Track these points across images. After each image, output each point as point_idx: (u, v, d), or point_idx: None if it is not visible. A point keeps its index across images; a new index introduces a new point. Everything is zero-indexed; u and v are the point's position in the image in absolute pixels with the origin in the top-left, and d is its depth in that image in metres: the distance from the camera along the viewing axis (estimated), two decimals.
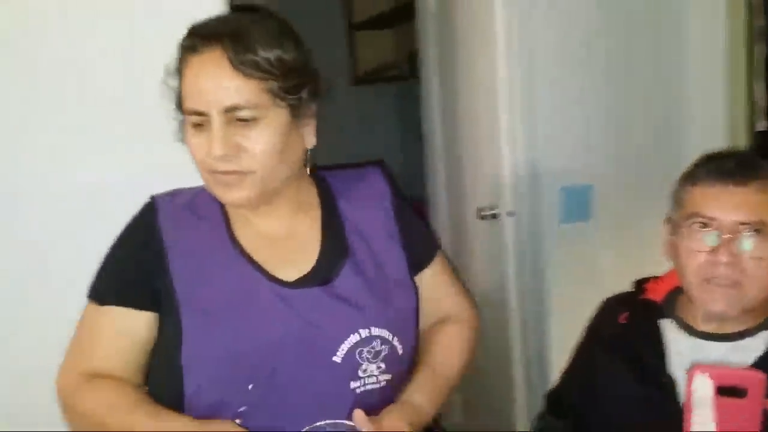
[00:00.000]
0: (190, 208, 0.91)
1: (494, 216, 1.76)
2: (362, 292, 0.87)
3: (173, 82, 0.87)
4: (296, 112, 0.85)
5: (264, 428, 0.83)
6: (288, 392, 0.83)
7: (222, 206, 0.90)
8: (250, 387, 0.83)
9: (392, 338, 0.87)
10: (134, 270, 0.88)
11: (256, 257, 0.87)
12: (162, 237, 0.88)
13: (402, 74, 3.22)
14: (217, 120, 0.80)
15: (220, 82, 0.80)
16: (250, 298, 0.85)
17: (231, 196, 0.84)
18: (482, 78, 1.77)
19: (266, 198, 0.86)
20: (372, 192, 0.96)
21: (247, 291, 0.85)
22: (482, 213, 1.78)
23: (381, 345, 0.86)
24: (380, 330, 0.86)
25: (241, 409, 0.83)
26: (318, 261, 0.89)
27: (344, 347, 0.84)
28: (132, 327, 0.87)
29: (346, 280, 0.88)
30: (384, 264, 0.91)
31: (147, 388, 0.89)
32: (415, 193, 3.36)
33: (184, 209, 0.91)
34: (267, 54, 0.81)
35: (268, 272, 0.86)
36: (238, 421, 0.83)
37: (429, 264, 0.98)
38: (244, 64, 0.80)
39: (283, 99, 0.82)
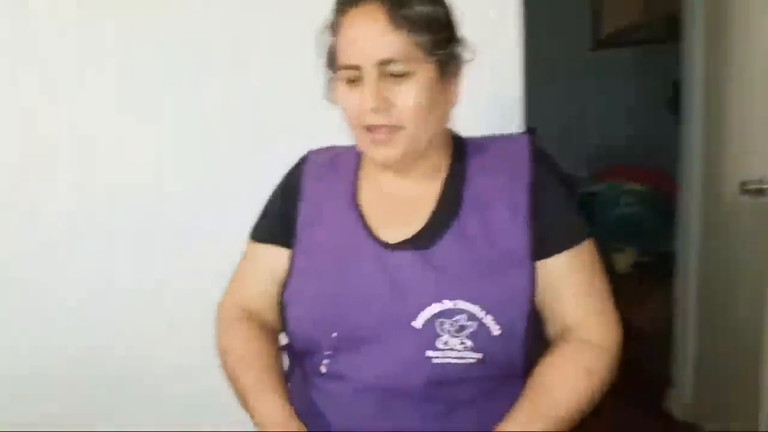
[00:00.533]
0: (332, 161, 0.99)
1: (761, 191, 1.63)
2: (459, 263, 0.86)
3: (327, 38, 0.90)
4: (444, 69, 0.88)
5: (342, 378, 0.88)
6: (367, 348, 0.87)
7: (357, 163, 0.98)
8: (334, 335, 0.87)
9: (485, 316, 0.83)
10: (278, 211, 0.99)
11: (368, 215, 0.93)
12: (301, 184, 0.98)
13: (653, 37, 3.03)
14: (370, 73, 0.84)
15: (376, 35, 0.83)
16: (350, 252, 0.90)
17: (381, 153, 0.88)
18: (760, 43, 1.62)
19: (413, 157, 0.90)
20: (508, 162, 0.92)
21: (349, 245, 0.91)
22: (747, 186, 1.65)
23: (467, 320, 0.83)
24: (468, 305, 0.83)
25: (327, 353, 0.89)
26: (424, 226, 0.90)
27: (424, 314, 0.84)
28: (274, 263, 0.97)
29: (444, 248, 0.87)
30: (498, 237, 0.87)
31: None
32: (651, 164, 3.21)
33: (326, 162, 1.00)
34: (421, 9, 0.84)
35: (372, 231, 0.91)
36: (325, 361, 0.90)
37: (559, 253, 0.88)
38: (400, 18, 0.83)
39: (432, 54, 0.85)
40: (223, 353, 0.96)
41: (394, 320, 0.86)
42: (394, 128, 0.86)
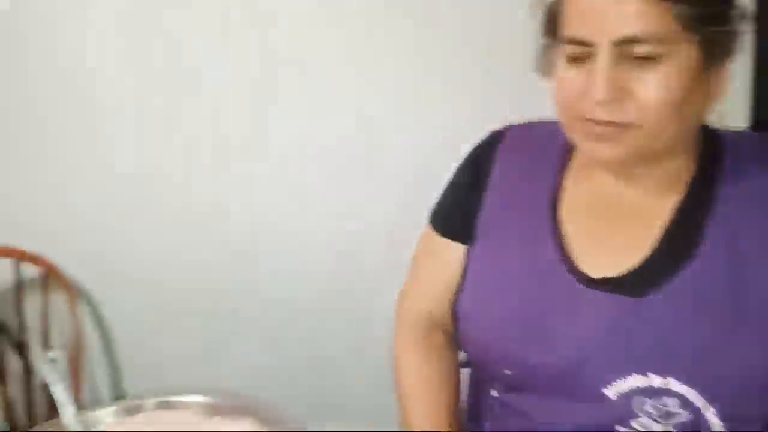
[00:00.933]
0: (533, 146, 0.79)
1: None
2: (684, 322, 0.64)
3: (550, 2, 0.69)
4: (710, 51, 0.62)
5: (512, 409, 0.76)
6: (543, 399, 0.72)
7: (565, 153, 0.76)
8: (507, 372, 0.74)
9: (706, 408, 0.62)
10: (459, 197, 0.82)
11: (568, 231, 0.72)
12: (491, 169, 0.79)
13: None
14: (605, 54, 0.61)
15: (619, 3, 0.60)
16: (538, 278, 0.72)
17: (602, 151, 0.65)
18: None
19: (644, 160, 0.66)
20: None
21: (538, 268, 0.72)
22: None
23: (679, 408, 0.63)
24: (685, 387, 0.63)
25: (495, 388, 0.77)
26: (645, 261, 0.67)
27: (619, 384, 0.66)
28: (455, 261, 0.80)
29: (668, 297, 0.65)
30: (751, 288, 0.63)
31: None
32: None
33: (526, 145, 0.79)
34: None
35: (570, 255, 0.71)
36: (494, 393, 0.77)
37: None
38: None
39: (696, 31, 0.61)
40: (396, 368, 0.85)
41: (581, 378, 0.68)
42: (626, 126, 0.63)
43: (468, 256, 0.79)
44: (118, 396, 1.64)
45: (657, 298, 0.65)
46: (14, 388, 1.52)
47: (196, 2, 1.41)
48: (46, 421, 0.91)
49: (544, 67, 0.71)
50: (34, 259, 1.47)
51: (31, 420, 1.51)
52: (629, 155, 0.65)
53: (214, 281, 1.55)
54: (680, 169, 0.69)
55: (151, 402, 0.92)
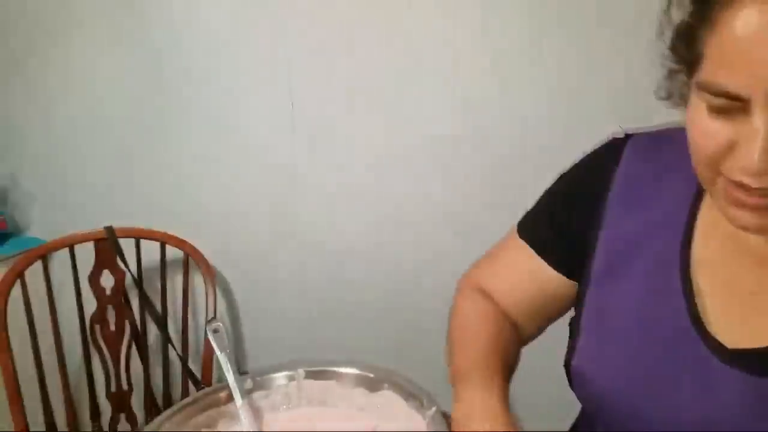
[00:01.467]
0: (663, 166, 0.67)
1: None
2: None
3: (689, 18, 0.56)
4: None
5: None
6: None
7: (698, 185, 0.63)
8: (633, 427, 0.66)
9: None
10: (558, 217, 0.75)
11: (704, 285, 0.62)
12: (610, 187, 0.69)
13: None
14: (763, 115, 0.50)
15: None
16: (664, 338, 0.63)
17: (745, 220, 0.55)
18: None
19: None
20: None
21: (664, 326, 0.63)
22: None
23: None
24: None
25: None
26: None
27: None
28: (540, 276, 0.75)
29: None
30: None
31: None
32: None
33: (653, 160, 0.68)
34: None
35: (703, 321, 0.61)
36: None
37: None
38: None
39: None
40: (452, 315, 0.80)
41: None
42: None
43: (579, 294, 0.71)
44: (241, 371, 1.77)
45: None
46: (154, 360, 1.67)
47: None
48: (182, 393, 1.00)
49: (672, 95, 0.60)
50: (177, 242, 1.62)
51: (166, 390, 1.67)
52: None
53: (340, 269, 1.65)
54: None
55: (301, 371, 1.01)
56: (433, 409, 0.88)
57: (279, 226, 1.68)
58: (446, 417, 0.87)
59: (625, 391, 0.65)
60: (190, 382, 1.60)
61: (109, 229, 1.60)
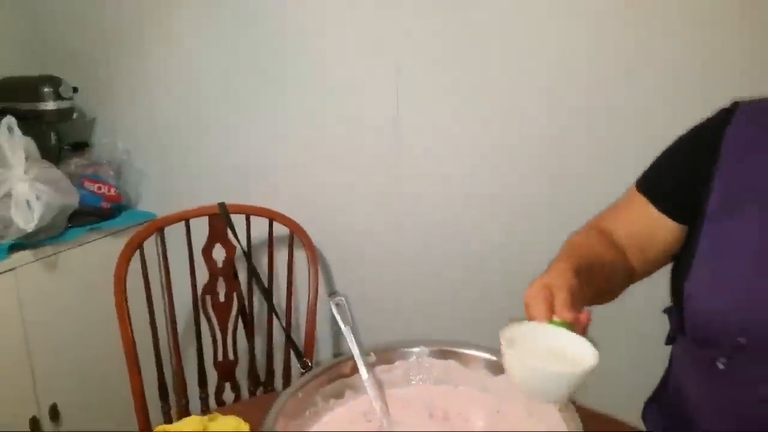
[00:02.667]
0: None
1: None
2: None
3: None
4: None
5: (743, 381, 0.81)
6: None
7: None
8: (741, 340, 0.78)
9: None
10: (673, 172, 0.88)
11: None
12: (720, 149, 0.81)
13: None
14: None
15: None
16: None
17: None
18: None
19: None
20: None
21: None
22: None
23: None
24: None
25: (727, 353, 0.80)
26: None
27: None
28: (650, 221, 0.89)
29: None
30: None
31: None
32: None
33: (764, 123, 0.81)
34: None
35: None
36: (723, 359, 0.80)
37: None
38: None
39: None
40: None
41: None
42: None
43: (692, 234, 0.84)
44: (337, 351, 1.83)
45: None
46: (258, 333, 1.75)
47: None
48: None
49: None
50: (284, 220, 1.69)
51: (269, 362, 1.74)
52: None
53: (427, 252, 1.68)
54: None
55: (424, 349, 1.03)
56: None
57: (379, 209, 1.71)
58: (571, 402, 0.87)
59: (744, 295, 0.77)
60: (292, 354, 1.67)
61: (222, 206, 1.68)
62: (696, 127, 0.88)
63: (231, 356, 1.72)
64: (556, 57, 1.41)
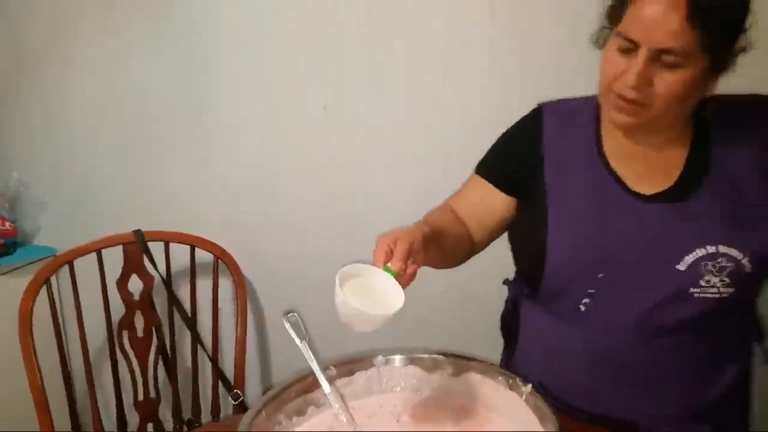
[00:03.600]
0: (570, 117, 1.07)
1: None
2: (713, 214, 0.96)
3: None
4: (713, 68, 0.90)
5: (602, 315, 1.00)
6: (632, 285, 0.97)
7: (597, 117, 1.05)
8: (600, 275, 0.98)
9: (742, 258, 0.94)
10: (504, 158, 1.11)
11: (618, 170, 1.01)
12: (542, 141, 1.06)
13: None
14: (644, 55, 0.88)
15: (668, 24, 0.85)
16: (608, 204, 1.00)
17: (618, 119, 0.95)
18: None
19: (650, 129, 0.97)
20: (753, 122, 0.99)
21: (604, 196, 1.00)
22: None
23: (727, 262, 0.94)
24: (729, 249, 0.94)
25: (590, 291, 1.00)
26: (676, 181, 0.99)
27: (689, 258, 0.94)
28: (487, 197, 1.11)
29: (700, 201, 0.97)
30: (747, 195, 0.96)
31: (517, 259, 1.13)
32: None
33: (564, 116, 1.08)
34: (723, 7, 0.84)
35: (626, 185, 1.00)
36: (585, 300, 1.00)
37: None
38: (698, 16, 0.84)
39: (710, 54, 0.87)
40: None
41: (659, 264, 0.96)
42: (643, 105, 0.92)
43: (534, 205, 1.05)
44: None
45: (695, 200, 0.97)
46: (184, 358, 1.67)
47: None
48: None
49: (598, 42, 0.98)
50: (208, 245, 1.63)
51: (194, 385, 1.65)
52: (637, 125, 0.95)
53: None
54: (684, 128, 1.01)
55: (381, 358, 1.03)
56: (529, 386, 0.92)
57: (308, 232, 1.71)
58: (540, 394, 0.91)
59: (597, 241, 0.99)
60: (221, 387, 1.60)
61: (138, 233, 1.60)
62: (518, 122, 1.12)
63: (153, 394, 1.62)
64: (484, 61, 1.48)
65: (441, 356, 1.03)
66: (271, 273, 1.76)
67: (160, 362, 1.63)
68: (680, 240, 0.96)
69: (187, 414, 1.67)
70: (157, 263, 1.60)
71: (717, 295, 0.96)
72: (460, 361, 1.01)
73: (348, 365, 1.03)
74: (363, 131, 1.62)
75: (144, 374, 1.60)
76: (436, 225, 0.99)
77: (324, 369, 1.00)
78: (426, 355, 1.03)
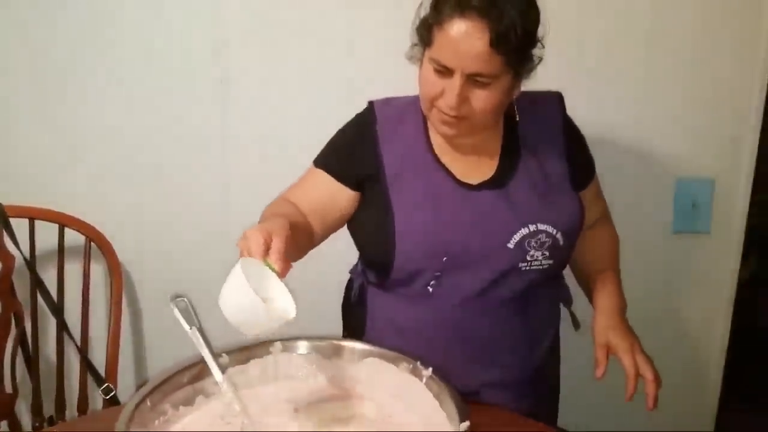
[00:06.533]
0: (400, 115, 1.16)
1: None
2: (531, 196, 1.11)
3: (424, 13, 1.03)
4: (518, 77, 1.05)
5: (448, 294, 1.11)
6: (472, 265, 1.09)
7: (424, 118, 1.13)
8: (444, 259, 1.09)
9: (556, 233, 1.10)
10: (348, 154, 1.15)
11: (447, 164, 1.12)
12: (377, 137, 1.14)
13: None
14: (459, 79, 0.99)
15: (476, 53, 0.96)
16: (443, 194, 1.10)
17: (443, 130, 1.07)
18: None
19: (468, 135, 1.09)
20: (547, 114, 1.17)
21: (440, 189, 1.11)
22: None
23: (546, 238, 1.09)
24: (546, 226, 1.09)
25: (437, 274, 1.10)
26: (496, 170, 1.12)
27: (516, 237, 1.08)
28: (333, 192, 1.15)
29: (517, 185, 1.11)
30: (549, 172, 1.13)
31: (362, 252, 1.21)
32: None
33: (395, 113, 1.16)
34: (519, 29, 0.96)
35: (455, 177, 1.12)
36: (432, 282, 1.10)
37: (589, 183, 1.23)
38: (501, 43, 0.96)
39: (514, 68, 1.01)
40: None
41: (493, 244, 1.10)
42: (463, 118, 1.04)
43: (378, 199, 1.12)
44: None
45: (513, 185, 1.12)
46: (48, 349, 1.54)
47: None
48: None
49: (413, 59, 1.08)
50: (80, 225, 1.52)
51: (59, 378, 1.53)
52: (459, 134, 1.07)
53: None
54: (494, 133, 1.14)
55: (278, 345, 1.01)
56: (430, 369, 0.94)
57: (195, 219, 1.64)
58: (441, 378, 0.93)
59: (438, 228, 1.09)
60: (90, 380, 1.49)
61: None
62: (353, 119, 1.19)
63: (9, 389, 1.48)
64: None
65: (341, 342, 1.02)
66: (150, 258, 1.66)
67: (19, 354, 1.49)
68: (507, 222, 1.09)
69: (49, 410, 1.54)
70: (20, 242, 1.46)
71: (540, 267, 1.12)
72: (359, 347, 1.01)
73: (243, 353, 1.00)
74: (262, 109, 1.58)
75: None
76: (291, 220, 0.99)
77: (216, 357, 0.96)
78: (324, 342, 1.02)
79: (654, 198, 1.69)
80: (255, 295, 0.79)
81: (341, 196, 1.15)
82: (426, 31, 1.02)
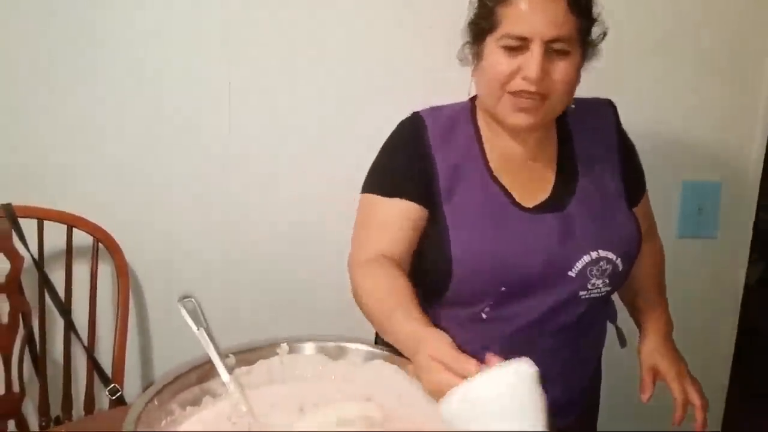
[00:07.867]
0: (451, 125, 1.10)
1: None
2: (590, 219, 1.06)
3: (486, 1, 1.00)
4: (586, 53, 1.04)
5: (503, 321, 1.05)
6: (530, 293, 1.05)
7: (475, 125, 1.10)
8: (503, 289, 1.03)
9: (616, 259, 1.06)
10: (410, 171, 1.07)
11: (502, 180, 1.07)
12: (429, 144, 1.07)
13: None
14: (539, 46, 0.96)
15: (554, 14, 0.96)
16: (501, 215, 1.05)
17: (519, 120, 1.01)
18: None
19: (544, 125, 1.06)
20: (602, 125, 1.13)
21: (497, 208, 1.05)
22: None
23: (606, 264, 1.05)
24: (606, 252, 1.05)
25: (491, 302, 1.05)
26: (553, 191, 1.08)
27: (578, 266, 1.04)
28: (414, 216, 1.06)
29: (576, 207, 1.07)
30: (607, 194, 1.09)
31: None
32: None
33: (445, 124, 1.10)
34: None
35: (513, 197, 1.06)
36: (486, 309, 1.05)
37: (642, 197, 1.19)
38: (575, 3, 0.97)
39: (583, 38, 1.01)
40: (356, 296, 1.04)
41: (554, 272, 1.05)
42: (542, 97, 0.99)
43: (437, 212, 1.06)
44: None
45: (572, 208, 1.07)
46: (55, 349, 1.56)
47: None
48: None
49: (466, 59, 1.06)
50: (89, 226, 1.53)
51: (66, 378, 1.54)
52: (538, 121, 1.02)
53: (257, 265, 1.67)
54: (548, 134, 1.11)
55: (285, 346, 1.02)
56: None
57: (200, 219, 1.65)
58: None
59: (495, 255, 1.03)
60: (96, 380, 1.51)
61: (7, 207, 1.47)
62: (398, 132, 1.12)
63: (16, 388, 1.49)
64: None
65: (347, 344, 1.02)
66: (158, 259, 1.67)
67: (26, 353, 1.51)
68: (569, 248, 1.05)
69: (56, 410, 1.56)
70: (29, 243, 1.48)
71: (599, 295, 1.08)
72: (367, 349, 1.02)
73: (249, 354, 1.01)
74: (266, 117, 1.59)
75: (7, 366, 1.47)
76: (414, 299, 0.95)
77: (223, 357, 0.97)
78: (332, 343, 1.03)
79: (662, 202, 1.69)
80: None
81: (419, 216, 1.06)
82: (487, 16, 1.00)
